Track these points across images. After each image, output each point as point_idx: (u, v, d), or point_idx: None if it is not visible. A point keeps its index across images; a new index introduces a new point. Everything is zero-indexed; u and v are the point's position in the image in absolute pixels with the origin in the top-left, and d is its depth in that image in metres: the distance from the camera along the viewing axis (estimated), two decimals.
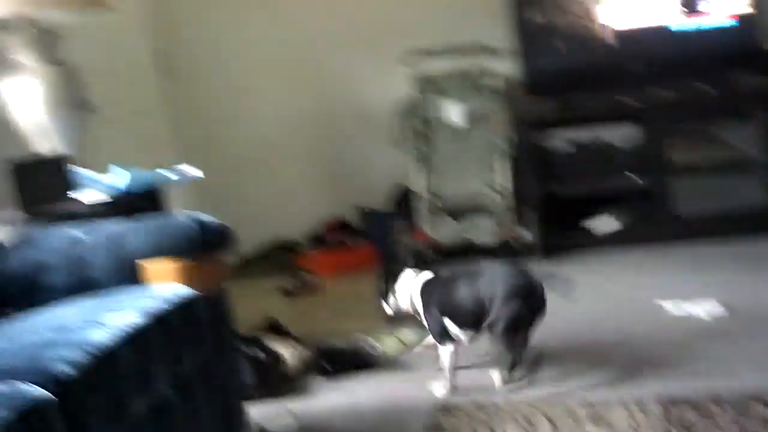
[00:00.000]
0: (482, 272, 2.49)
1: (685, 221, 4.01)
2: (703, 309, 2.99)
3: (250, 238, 4.54)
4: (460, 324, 2.47)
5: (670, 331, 2.86)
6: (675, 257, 3.81)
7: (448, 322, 2.48)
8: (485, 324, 2.41)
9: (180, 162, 3.05)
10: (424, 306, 2.56)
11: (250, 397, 2.58)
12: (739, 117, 4.13)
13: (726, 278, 3.38)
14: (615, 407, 2.31)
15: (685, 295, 3.13)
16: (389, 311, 2.68)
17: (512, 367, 2.45)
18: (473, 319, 2.44)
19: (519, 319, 2.37)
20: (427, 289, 2.57)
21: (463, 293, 2.46)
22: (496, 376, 2.50)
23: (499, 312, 2.36)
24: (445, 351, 2.52)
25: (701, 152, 4.19)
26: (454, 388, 2.53)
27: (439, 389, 2.55)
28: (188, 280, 2.13)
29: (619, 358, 2.67)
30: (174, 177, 2.95)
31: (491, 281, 2.42)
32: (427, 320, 2.55)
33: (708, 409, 2.22)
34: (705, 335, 2.78)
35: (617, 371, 2.57)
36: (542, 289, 2.43)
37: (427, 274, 2.61)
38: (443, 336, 2.51)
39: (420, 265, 2.74)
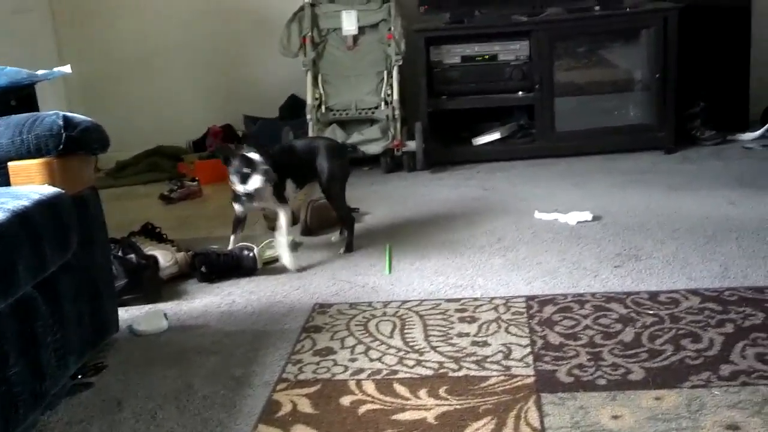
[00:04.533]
0: (309, 144, 3.12)
1: (564, 137, 4.13)
2: (574, 217, 3.11)
3: (131, 142, 4.40)
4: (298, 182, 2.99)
5: (542, 237, 2.97)
6: (551, 171, 3.94)
7: (289, 183, 2.93)
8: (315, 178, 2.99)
9: (61, 63, 2.89)
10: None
11: (123, 300, 2.54)
12: (626, 37, 4.24)
13: (599, 190, 3.52)
14: (482, 304, 2.40)
15: (557, 206, 3.25)
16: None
17: (349, 232, 3.01)
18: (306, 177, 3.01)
19: (336, 172, 2.98)
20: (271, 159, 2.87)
21: (296, 160, 2.99)
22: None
23: (322, 168, 2.96)
24: (285, 210, 2.89)
25: (586, 70, 4.30)
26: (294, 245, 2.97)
27: (288, 259, 2.84)
28: (54, 179, 2.05)
29: (490, 261, 2.77)
30: (40, 72, 2.79)
31: (315, 149, 3.00)
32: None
33: (569, 306, 2.34)
34: (572, 241, 2.91)
35: (488, 273, 2.66)
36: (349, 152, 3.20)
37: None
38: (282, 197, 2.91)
39: None
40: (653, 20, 3.99)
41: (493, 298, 2.43)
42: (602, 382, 1.90)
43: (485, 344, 2.15)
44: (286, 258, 2.83)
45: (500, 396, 1.88)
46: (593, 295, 2.40)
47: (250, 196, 2.82)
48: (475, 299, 2.44)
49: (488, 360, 2.06)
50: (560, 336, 2.15)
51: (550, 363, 2.01)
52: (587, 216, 3.13)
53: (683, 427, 1.71)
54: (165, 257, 2.74)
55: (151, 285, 2.63)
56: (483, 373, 2.00)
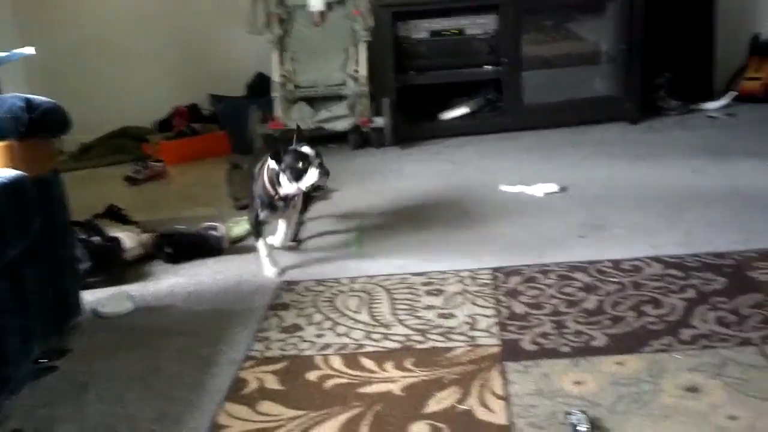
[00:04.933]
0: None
1: (532, 110, 4.14)
2: (540, 189, 3.13)
3: (96, 124, 4.34)
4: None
5: (508, 209, 2.99)
6: (519, 144, 3.95)
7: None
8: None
9: (22, 44, 2.84)
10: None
11: (87, 283, 2.52)
12: (593, 9, 4.25)
13: (566, 162, 3.54)
14: (449, 277, 2.41)
15: (524, 179, 3.26)
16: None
17: (297, 230, 2.86)
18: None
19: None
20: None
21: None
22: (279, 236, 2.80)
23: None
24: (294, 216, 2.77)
25: (553, 43, 4.30)
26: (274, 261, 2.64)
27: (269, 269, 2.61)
28: (15, 162, 2.01)
29: (457, 234, 2.78)
30: (1, 55, 2.73)
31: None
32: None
33: (534, 277, 2.35)
34: (538, 212, 2.92)
35: (455, 246, 2.67)
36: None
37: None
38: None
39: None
40: None
41: (459, 271, 2.44)
42: (566, 349, 1.92)
43: (451, 316, 2.16)
44: (267, 265, 2.61)
45: (465, 366, 1.90)
46: (558, 264, 2.42)
47: (286, 200, 2.59)
48: (442, 272, 2.45)
49: (454, 331, 2.07)
50: (525, 306, 2.17)
51: (514, 332, 2.03)
52: (553, 187, 3.15)
53: (644, 390, 1.73)
54: (129, 239, 2.72)
55: (115, 267, 2.61)
56: (449, 344, 2.01)
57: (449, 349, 1.99)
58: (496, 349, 1.96)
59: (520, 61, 4.10)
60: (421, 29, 4.19)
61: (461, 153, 3.90)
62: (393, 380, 1.86)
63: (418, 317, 2.17)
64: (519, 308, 2.16)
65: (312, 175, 2.46)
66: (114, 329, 2.29)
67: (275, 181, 2.53)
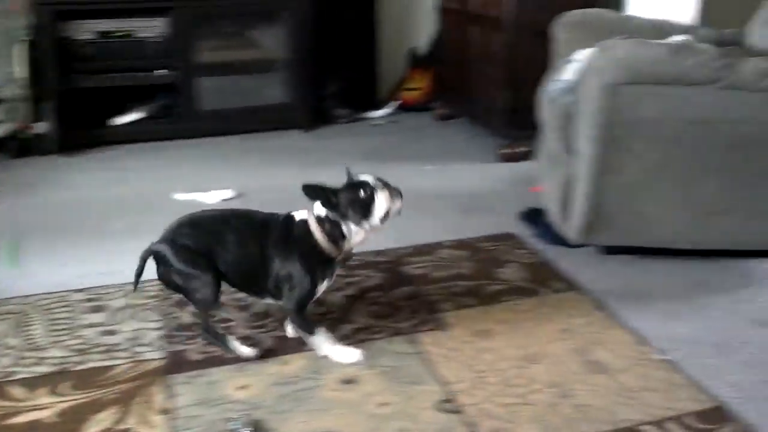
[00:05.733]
0: None
1: (207, 117, 4.11)
2: (215, 196, 3.12)
3: None
4: None
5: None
6: (195, 151, 3.90)
7: None
8: None
9: None
10: None
11: None
12: (265, 18, 4.32)
13: (242, 169, 3.57)
14: (114, 292, 2.29)
15: (200, 186, 3.22)
16: None
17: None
18: None
19: None
20: None
21: None
22: None
23: None
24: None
25: (229, 50, 4.31)
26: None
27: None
28: None
29: (125, 246, 2.65)
30: None
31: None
32: None
33: None
34: None
35: (122, 259, 2.54)
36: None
37: None
38: None
39: None
40: (289, 3, 4.13)
41: (125, 285, 2.34)
42: (232, 355, 1.93)
43: (114, 333, 2.06)
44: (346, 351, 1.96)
45: (128, 384, 1.82)
46: None
47: (349, 256, 1.98)
48: (106, 287, 2.33)
49: (117, 348, 1.98)
50: (192, 316, 2.14)
51: (181, 344, 2.00)
52: (229, 194, 3.16)
53: (306, 387, 1.80)
54: None
55: None
56: (110, 363, 1.91)
57: (111, 367, 1.90)
58: (160, 363, 1.91)
59: (194, 67, 4.06)
60: (87, 30, 3.95)
61: (134, 160, 3.75)
62: (45, 407, 1.72)
63: (78, 337, 2.04)
64: (187, 319, 2.13)
65: (382, 201, 1.87)
66: None
67: (336, 235, 1.91)
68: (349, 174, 1.94)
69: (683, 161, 2.27)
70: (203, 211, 2.02)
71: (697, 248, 2.43)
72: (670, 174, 2.29)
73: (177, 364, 1.90)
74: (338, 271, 1.98)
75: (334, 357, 1.91)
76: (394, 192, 1.89)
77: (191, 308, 2.17)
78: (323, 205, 1.89)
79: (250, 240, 1.91)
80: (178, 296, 2.24)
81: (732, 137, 2.25)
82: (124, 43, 4.00)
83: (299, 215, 1.95)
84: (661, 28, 2.84)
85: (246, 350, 1.92)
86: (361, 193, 1.87)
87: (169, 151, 3.89)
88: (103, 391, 1.79)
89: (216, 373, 1.86)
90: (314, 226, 1.90)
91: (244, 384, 1.81)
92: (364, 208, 1.86)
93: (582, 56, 2.46)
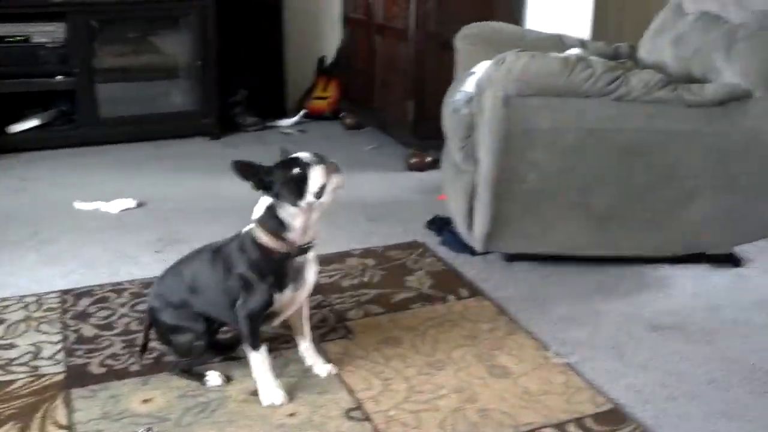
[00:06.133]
0: None
1: (109, 124, 4.01)
2: (117, 206, 3.05)
3: None
4: None
5: (82, 227, 2.85)
6: (97, 159, 3.80)
7: None
8: None
9: None
10: None
11: None
12: (168, 24, 4.25)
13: (145, 177, 3.50)
14: (11, 304, 2.21)
15: (102, 195, 3.14)
16: None
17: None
18: None
19: None
20: None
21: None
22: None
23: None
24: None
25: (131, 56, 4.22)
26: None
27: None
28: None
29: (23, 257, 2.57)
30: None
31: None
32: None
33: (106, 297, 2.28)
34: (114, 229, 2.85)
35: (20, 270, 2.46)
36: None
37: None
38: None
39: None
40: (191, 9, 4.07)
41: (23, 297, 2.26)
42: (135, 368, 1.89)
43: (12, 346, 1.99)
44: (272, 387, 1.82)
45: (26, 398, 1.76)
46: (131, 282, 2.38)
47: (305, 248, 1.82)
48: (3, 300, 2.25)
49: (14, 363, 1.92)
50: (95, 328, 2.09)
51: (82, 357, 1.94)
52: (131, 203, 3.09)
53: (212, 399, 1.79)
54: None
55: None
56: (8, 378, 1.85)
57: (9, 382, 1.83)
58: (60, 377, 1.85)
59: (94, 72, 3.95)
60: None
61: (34, 169, 3.62)
62: None
63: None
64: (88, 331, 2.07)
65: (317, 174, 1.71)
66: None
67: (277, 227, 1.77)
68: (283, 152, 1.82)
69: (581, 170, 2.37)
70: (191, 252, 1.95)
71: (595, 255, 2.54)
72: (568, 182, 2.39)
73: (78, 377, 1.85)
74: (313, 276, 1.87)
75: (260, 388, 1.80)
76: (331, 166, 1.73)
77: (93, 320, 2.12)
78: (255, 185, 1.75)
79: (212, 272, 1.83)
80: (80, 307, 2.19)
81: (626, 146, 2.36)
82: (21, 48, 3.86)
83: (246, 227, 1.85)
84: (558, 42, 2.96)
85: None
86: (295, 169, 1.71)
87: (71, 159, 3.77)
88: (1, 407, 1.72)
89: (119, 386, 1.82)
90: (257, 229, 1.79)
91: (148, 397, 1.78)
92: (299, 185, 1.70)
93: (481, 68, 2.53)
